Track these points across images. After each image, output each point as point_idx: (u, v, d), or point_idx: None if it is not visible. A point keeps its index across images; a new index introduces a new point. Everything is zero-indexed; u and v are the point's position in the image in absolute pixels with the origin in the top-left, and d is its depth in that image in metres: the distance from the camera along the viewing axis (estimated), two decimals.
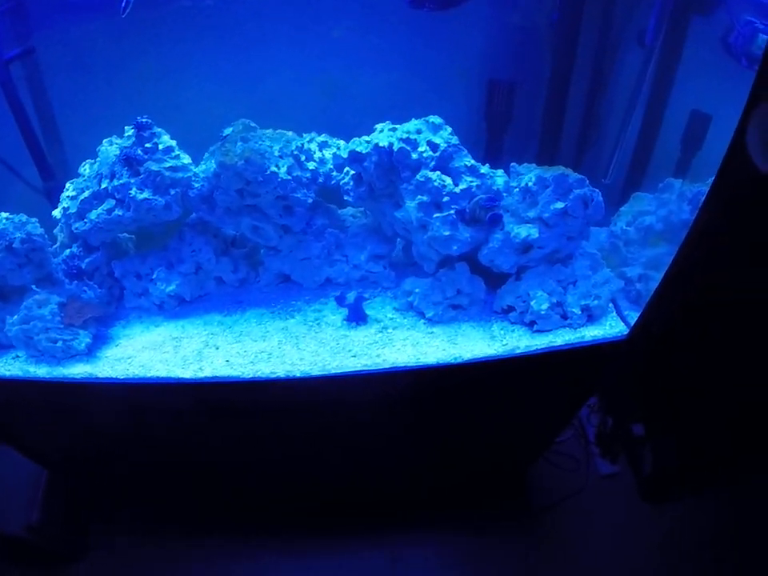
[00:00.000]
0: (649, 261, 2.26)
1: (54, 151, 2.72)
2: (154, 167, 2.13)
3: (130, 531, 2.58)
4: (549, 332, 2.12)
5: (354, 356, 2.03)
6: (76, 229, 2.27)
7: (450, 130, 2.09)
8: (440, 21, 2.16)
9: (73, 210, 2.27)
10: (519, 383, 2.23)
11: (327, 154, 2.24)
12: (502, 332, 2.13)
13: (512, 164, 2.20)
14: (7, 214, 2.31)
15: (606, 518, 2.94)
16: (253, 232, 2.19)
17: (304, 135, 2.25)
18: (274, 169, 2.03)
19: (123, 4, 2.20)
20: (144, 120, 2.17)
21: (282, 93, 2.48)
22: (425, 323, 2.16)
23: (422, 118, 2.12)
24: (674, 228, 2.22)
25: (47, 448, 2.52)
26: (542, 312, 2.08)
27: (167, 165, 2.15)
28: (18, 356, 2.30)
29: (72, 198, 2.30)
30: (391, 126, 2.12)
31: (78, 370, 2.12)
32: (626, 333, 2.14)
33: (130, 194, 2.13)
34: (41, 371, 2.13)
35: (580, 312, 2.11)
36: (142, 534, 2.57)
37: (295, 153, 2.12)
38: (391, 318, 2.18)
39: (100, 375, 2.09)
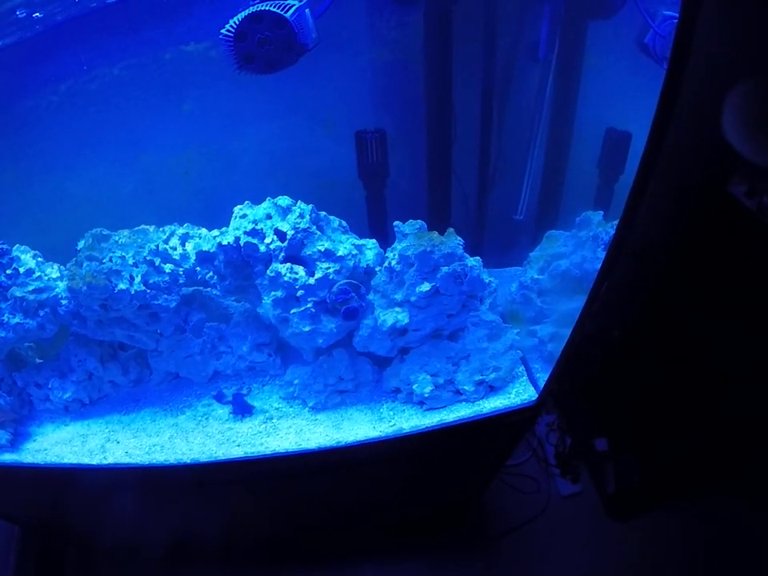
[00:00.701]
0: (563, 316, 2.06)
1: None
2: (18, 293, 2.10)
3: None
4: (442, 408, 2.02)
5: (239, 446, 2.01)
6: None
7: (298, 211, 1.93)
8: (291, 76, 1.95)
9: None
10: (417, 458, 2.15)
11: (189, 246, 2.13)
12: (391, 413, 2.04)
13: (395, 223, 2.02)
14: None
15: (569, 538, 2.86)
16: (129, 339, 2.15)
17: (165, 229, 2.15)
18: (122, 286, 1.96)
19: None
20: (1, 246, 2.13)
21: (153, 167, 2.36)
22: (309, 411, 2.10)
23: (272, 200, 1.97)
24: (590, 276, 2.01)
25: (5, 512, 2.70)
26: (426, 395, 1.96)
27: (30, 288, 2.12)
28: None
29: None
30: (243, 213, 1.99)
31: (5, 457, 2.20)
32: (534, 398, 2.01)
33: (3, 319, 2.13)
34: None
35: (474, 388, 1.98)
36: None
37: (149, 258, 2.03)
38: (277, 408, 2.13)
39: (25, 461, 2.18)
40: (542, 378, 2.05)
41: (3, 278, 2.12)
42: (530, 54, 2.17)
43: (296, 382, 2.07)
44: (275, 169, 2.19)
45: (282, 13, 1.84)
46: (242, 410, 2.09)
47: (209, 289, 2.19)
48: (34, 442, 2.26)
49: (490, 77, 2.17)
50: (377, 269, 2.02)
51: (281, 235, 1.91)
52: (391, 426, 1.98)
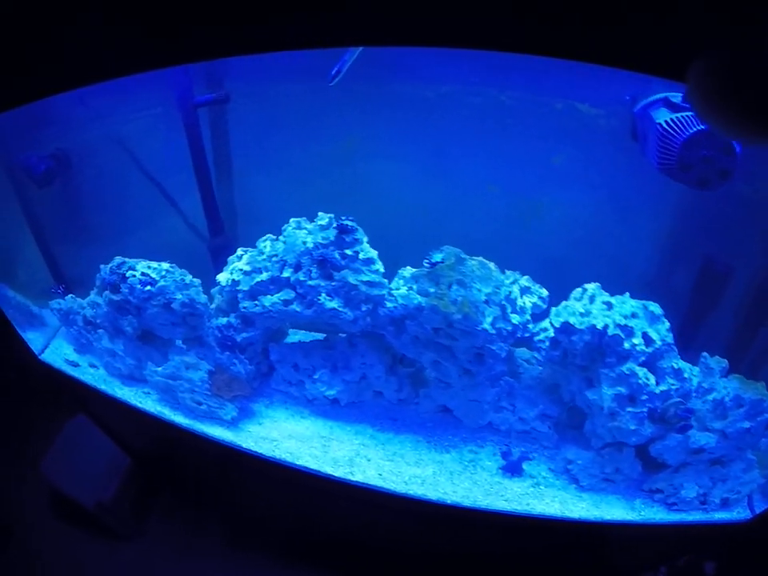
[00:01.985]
0: None
1: (224, 207, 2.51)
2: (352, 279, 2.00)
3: (186, 530, 2.62)
4: (684, 512, 2.16)
5: (506, 500, 2.04)
6: (244, 308, 2.15)
7: (667, 325, 2.00)
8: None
9: (244, 287, 2.14)
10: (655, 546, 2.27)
11: (527, 301, 2.13)
12: (642, 506, 2.16)
13: (703, 354, 2.13)
14: (169, 265, 2.17)
15: None
16: (432, 365, 2.10)
17: (507, 274, 2.13)
18: (485, 326, 1.93)
19: (333, 72, 1.98)
20: (349, 223, 2.02)
21: (478, 201, 2.32)
22: (575, 488, 2.16)
23: (640, 302, 2.02)
24: None
25: (147, 455, 2.52)
26: (687, 500, 2.10)
27: (365, 278, 2.02)
28: (149, 392, 2.26)
29: (245, 273, 2.16)
30: (606, 300, 2.02)
31: (217, 433, 2.13)
32: (748, 518, 2.20)
33: (319, 299, 2.01)
34: (177, 418, 2.18)
35: (718, 501, 2.15)
36: (195, 536, 2.61)
37: (503, 303, 2.01)
38: (544, 477, 2.17)
39: (243, 445, 2.09)
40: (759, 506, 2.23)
41: (337, 256, 2.01)
42: None
43: (579, 462, 2.12)
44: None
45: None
46: (514, 469, 2.11)
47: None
48: (260, 425, 2.18)
49: None
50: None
51: (648, 341, 1.97)
52: (640, 515, 2.10)
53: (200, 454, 2.28)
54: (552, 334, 2.06)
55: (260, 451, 2.07)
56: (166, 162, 2.46)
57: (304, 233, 2.11)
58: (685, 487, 2.11)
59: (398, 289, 2.03)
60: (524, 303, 2.11)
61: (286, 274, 2.07)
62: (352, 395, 2.19)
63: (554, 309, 2.03)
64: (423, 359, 2.09)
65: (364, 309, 2.01)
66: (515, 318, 2.03)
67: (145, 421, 2.25)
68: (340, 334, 2.23)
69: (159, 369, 2.22)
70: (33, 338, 2.55)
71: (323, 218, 2.11)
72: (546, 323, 2.10)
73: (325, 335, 2.28)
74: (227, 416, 2.14)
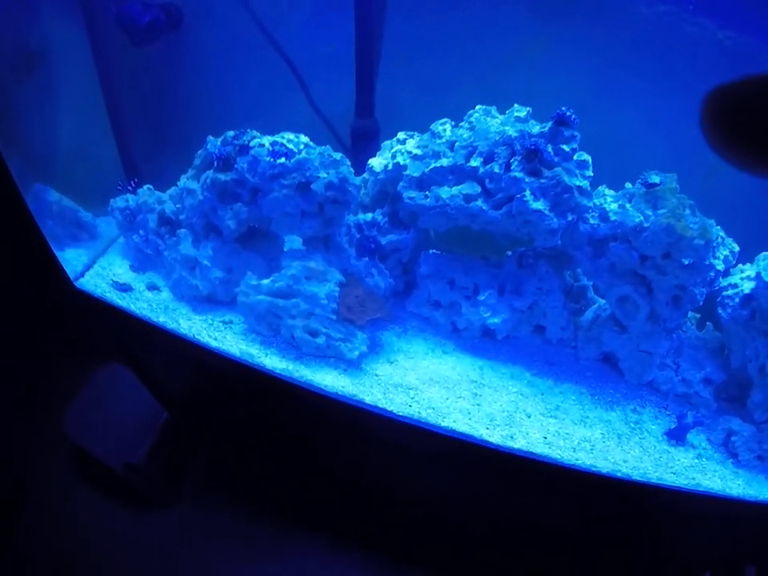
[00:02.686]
0: None
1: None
2: (566, 180, 1.67)
3: (221, 498, 2.10)
4: None
5: (674, 473, 1.77)
6: (410, 199, 1.73)
7: None
8: None
9: (413, 173, 1.73)
10: None
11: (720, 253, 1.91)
12: None
13: None
14: (307, 139, 1.73)
15: None
16: (618, 302, 1.81)
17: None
18: (714, 261, 1.68)
19: None
20: (570, 114, 1.70)
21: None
22: (732, 463, 1.94)
23: None
24: None
25: (193, 408, 1.95)
26: None
27: (578, 183, 1.70)
28: (230, 322, 1.74)
29: (414, 158, 1.76)
30: None
31: (329, 380, 1.63)
32: None
33: (524, 198, 1.65)
34: (269, 361, 1.66)
35: None
36: (230, 503, 2.09)
37: (715, 243, 1.78)
38: (705, 449, 1.93)
39: (367, 399, 1.60)
40: None
41: (550, 150, 1.69)
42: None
43: (745, 434, 1.92)
44: None
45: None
46: (679, 436, 1.87)
47: None
48: (391, 365, 1.76)
49: None
50: None
51: None
52: None
53: (285, 412, 1.77)
54: (746, 291, 1.85)
55: (391, 407, 1.59)
56: (303, 34, 1.99)
57: (497, 122, 1.75)
58: None
59: (605, 205, 1.72)
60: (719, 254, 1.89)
61: (473, 163, 1.69)
62: (511, 327, 1.83)
63: (763, 262, 1.83)
64: (610, 294, 1.79)
65: (570, 219, 1.68)
66: (719, 265, 1.80)
67: (209, 364, 1.72)
68: (507, 253, 1.87)
69: (265, 281, 1.71)
70: (74, 257, 1.95)
71: (520, 110, 1.78)
72: (735, 278, 1.89)
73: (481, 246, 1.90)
74: (353, 352, 1.69)
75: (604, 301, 1.91)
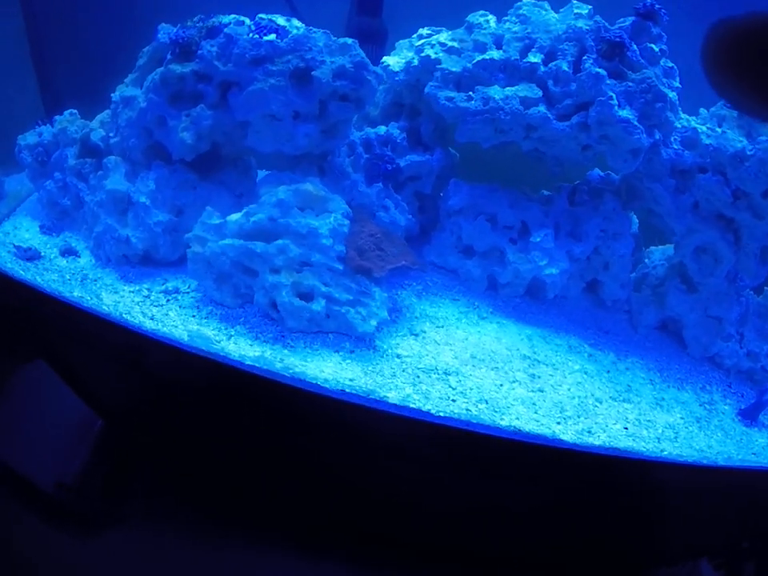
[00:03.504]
0: None
1: None
2: (659, 85, 1.26)
3: (170, 512, 1.60)
4: None
5: (755, 455, 1.45)
6: (448, 100, 1.26)
7: None
8: None
9: (450, 67, 1.26)
10: None
11: None
12: None
13: None
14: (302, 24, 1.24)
15: None
16: (694, 253, 1.43)
17: None
18: None
19: None
20: (658, 6, 1.29)
21: None
22: None
23: None
24: None
25: (128, 412, 1.40)
26: None
27: (671, 94, 1.30)
28: (177, 290, 1.26)
29: (449, 51, 1.28)
30: None
31: (329, 369, 1.11)
32: None
33: (611, 101, 1.23)
34: (234, 347, 1.14)
35: None
36: (180, 517, 1.59)
37: None
38: None
39: (390, 398, 1.11)
40: None
41: (635, 47, 1.28)
42: None
43: None
44: None
45: None
46: (752, 416, 1.55)
47: None
48: (417, 337, 1.35)
49: None
50: None
51: None
52: None
53: (260, 420, 1.22)
54: None
55: (428, 407, 1.10)
56: None
57: (554, 17, 1.31)
58: None
59: (691, 127, 1.33)
60: None
61: (533, 59, 1.25)
62: (564, 283, 1.40)
63: None
64: (687, 241, 1.40)
65: (657, 137, 1.28)
66: None
67: (145, 355, 1.19)
68: (561, 185, 1.44)
69: (234, 216, 1.19)
70: None
71: (581, 6, 1.35)
72: None
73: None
74: (369, 322, 1.18)
75: (667, 249, 1.54)
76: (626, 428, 1.27)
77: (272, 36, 1.19)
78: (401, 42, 1.45)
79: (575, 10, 1.36)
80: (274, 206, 1.19)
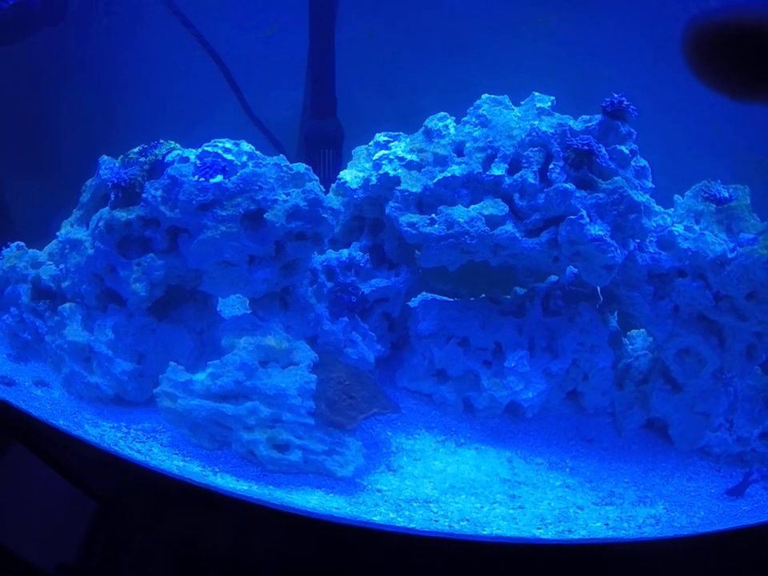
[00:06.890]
0: None
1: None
2: (633, 194, 1.19)
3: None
4: None
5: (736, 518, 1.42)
6: (410, 226, 1.18)
7: None
8: None
9: (410, 188, 1.19)
10: None
11: None
12: None
13: None
14: (251, 147, 1.16)
15: None
16: (677, 357, 1.37)
17: None
18: None
19: None
20: (627, 103, 1.22)
21: None
22: None
23: None
24: None
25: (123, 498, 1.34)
26: None
27: (641, 199, 1.22)
28: (155, 430, 1.16)
29: (409, 166, 1.20)
30: None
31: (319, 503, 1.09)
32: None
33: (581, 220, 1.15)
34: (222, 481, 1.10)
35: None
36: None
37: None
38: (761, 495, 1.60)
39: (377, 520, 1.09)
40: None
41: (603, 151, 1.21)
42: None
43: None
44: None
45: None
46: (738, 494, 1.52)
47: None
48: (395, 473, 1.35)
49: None
50: None
51: None
52: None
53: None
54: None
55: (411, 525, 1.09)
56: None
57: (515, 115, 1.24)
58: None
59: (667, 227, 1.26)
60: None
61: (496, 172, 1.16)
62: (545, 400, 1.33)
63: None
64: (670, 345, 1.34)
65: (632, 247, 1.21)
66: None
67: (139, 479, 1.13)
68: (534, 286, 1.37)
69: (199, 375, 1.13)
70: None
71: (543, 99, 1.28)
72: None
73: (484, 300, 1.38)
74: (346, 468, 1.15)
75: (646, 350, 1.47)
76: (607, 524, 1.22)
77: (219, 177, 1.10)
78: (358, 148, 1.36)
79: (537, 104, 1.28)
80: (239, 370, 1.13)
